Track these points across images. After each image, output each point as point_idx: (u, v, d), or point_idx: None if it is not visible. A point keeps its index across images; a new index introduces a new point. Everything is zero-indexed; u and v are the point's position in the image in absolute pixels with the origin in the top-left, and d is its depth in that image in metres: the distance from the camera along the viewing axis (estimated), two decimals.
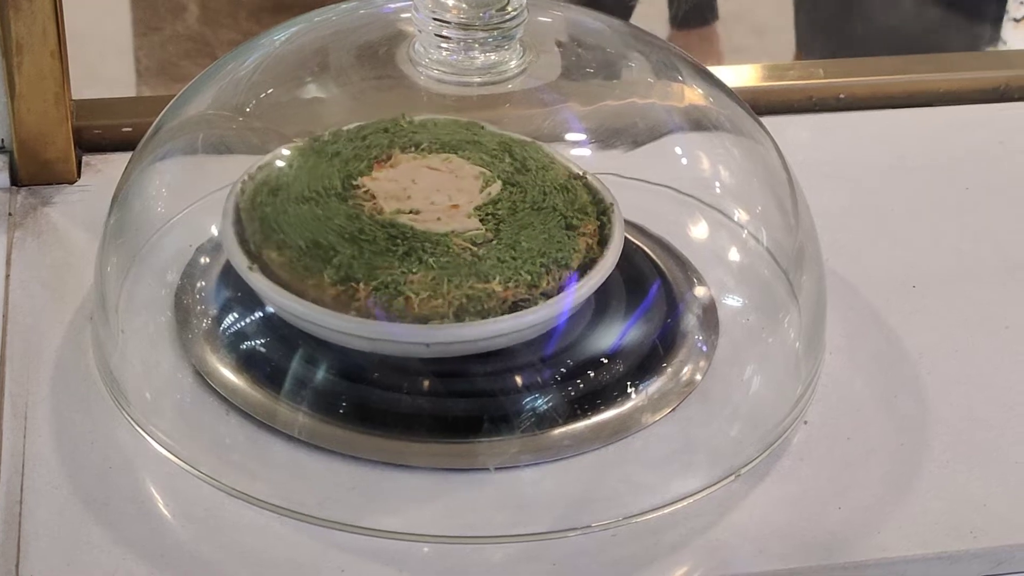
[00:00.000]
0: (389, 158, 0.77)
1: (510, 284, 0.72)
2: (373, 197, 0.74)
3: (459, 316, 0.71)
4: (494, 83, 0.77)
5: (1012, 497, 0.72)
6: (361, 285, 0.71)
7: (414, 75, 0.77)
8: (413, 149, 0.77)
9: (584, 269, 0.74)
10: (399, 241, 0.72)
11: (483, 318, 0.71)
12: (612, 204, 0.77)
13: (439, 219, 0.74)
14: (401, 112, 0.79)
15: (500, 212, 0.74)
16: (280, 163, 0.77)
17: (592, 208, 0.77)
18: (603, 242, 0.76)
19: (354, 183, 0.75)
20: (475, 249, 0.73)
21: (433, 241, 0.72)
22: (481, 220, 0.74)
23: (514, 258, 0.73)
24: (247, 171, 0.77)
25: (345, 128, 0.78)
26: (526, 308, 0.72)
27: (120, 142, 0.91)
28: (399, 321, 0.71)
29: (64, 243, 0.85)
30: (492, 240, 0.73)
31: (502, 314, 0.72)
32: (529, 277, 0.72)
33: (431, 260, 0.72)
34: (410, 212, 0.74)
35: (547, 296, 0.73)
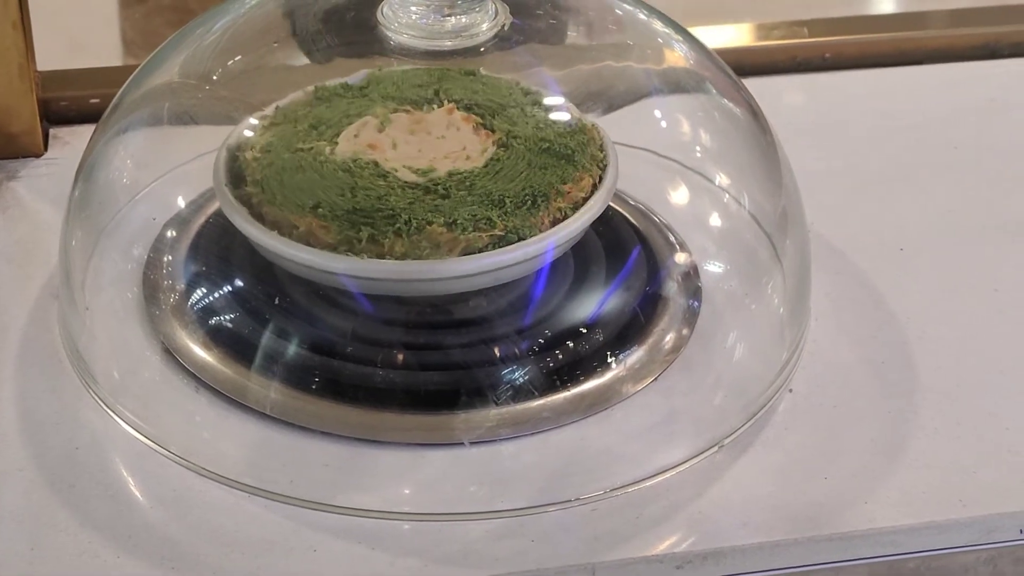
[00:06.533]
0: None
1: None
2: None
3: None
4: (466, 46, 0.75)
5: (1003, 464, 0.70)
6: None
7: (383, 39, 0.75)
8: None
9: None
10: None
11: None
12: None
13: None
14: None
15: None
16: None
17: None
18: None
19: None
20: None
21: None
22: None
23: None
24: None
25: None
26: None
27: (88, 113, 0.89)
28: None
29: (30, 218, 0.83)
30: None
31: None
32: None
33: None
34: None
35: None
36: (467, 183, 0.72)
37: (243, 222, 0.72)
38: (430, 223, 0.70)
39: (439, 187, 0.71)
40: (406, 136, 0.73)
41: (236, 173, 0.73)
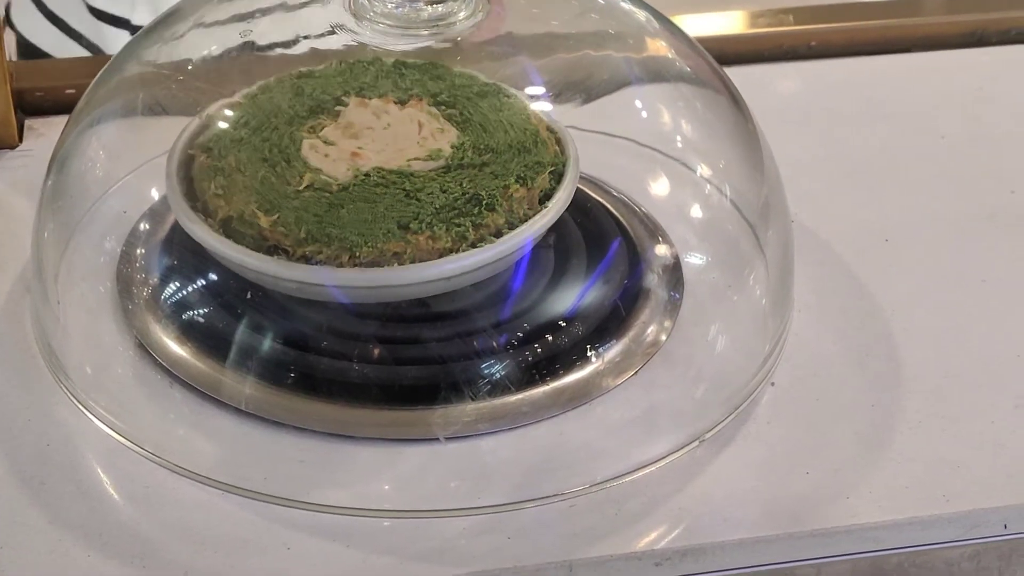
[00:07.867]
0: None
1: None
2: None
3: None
4: (442, 36, 0.74)
5: (987, 459, 0.69)
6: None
7: (359, 29, 0.74)
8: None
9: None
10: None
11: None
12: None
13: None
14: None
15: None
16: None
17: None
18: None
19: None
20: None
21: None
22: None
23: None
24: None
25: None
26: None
27: (63, 104, 0.88)
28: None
29: (4, 210, 0.82)
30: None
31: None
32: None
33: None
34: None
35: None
36: (482, 147, 0.72)
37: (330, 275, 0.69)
38: (507, 187, 0.70)
39: (465, 161, 0.71)
40: (355, 142, 0.72)
41: (263, 245, 0.69)
